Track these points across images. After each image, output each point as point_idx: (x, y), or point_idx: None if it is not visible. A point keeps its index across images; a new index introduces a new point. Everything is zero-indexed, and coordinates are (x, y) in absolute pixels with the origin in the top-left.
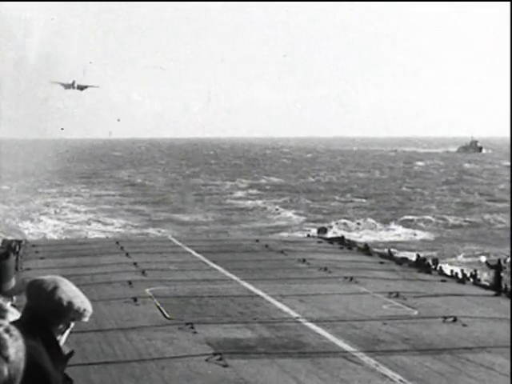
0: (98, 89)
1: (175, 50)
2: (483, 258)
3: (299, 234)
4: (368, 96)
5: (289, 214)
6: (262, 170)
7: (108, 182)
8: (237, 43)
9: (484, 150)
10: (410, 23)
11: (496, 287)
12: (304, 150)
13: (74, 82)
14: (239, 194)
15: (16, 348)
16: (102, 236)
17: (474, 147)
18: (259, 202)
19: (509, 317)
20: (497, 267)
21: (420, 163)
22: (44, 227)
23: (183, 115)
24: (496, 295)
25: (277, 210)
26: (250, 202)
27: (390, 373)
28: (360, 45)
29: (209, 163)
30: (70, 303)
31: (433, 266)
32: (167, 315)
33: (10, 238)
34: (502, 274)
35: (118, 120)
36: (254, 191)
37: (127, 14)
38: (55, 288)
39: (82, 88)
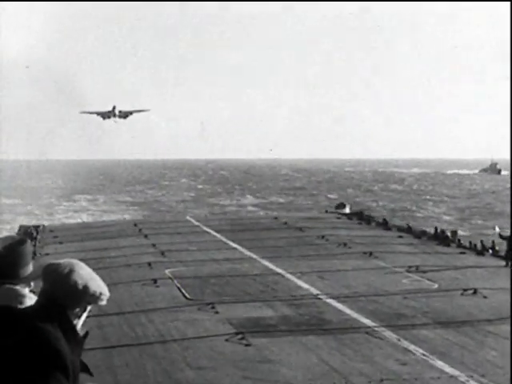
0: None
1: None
2: (497, 228)
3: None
4: (384, 117)
5: None
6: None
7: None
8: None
9: (503, 172)
10: (423, 40)
11: (507, 258)
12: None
13: (114, 109)
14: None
15: None
16: (120, 218)
17: (493, 169)
18: None
19: None
20: (509, 238)
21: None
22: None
23: (199, 136)
24: (505, 266)
25: None
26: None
27: (412, 347)
28: (372, 61)
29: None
30: (85, 287)
31: (451, 239)
32: (188, 296)
33: (27, 224)
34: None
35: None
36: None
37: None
38: (71, 271)
39: (125, 115)
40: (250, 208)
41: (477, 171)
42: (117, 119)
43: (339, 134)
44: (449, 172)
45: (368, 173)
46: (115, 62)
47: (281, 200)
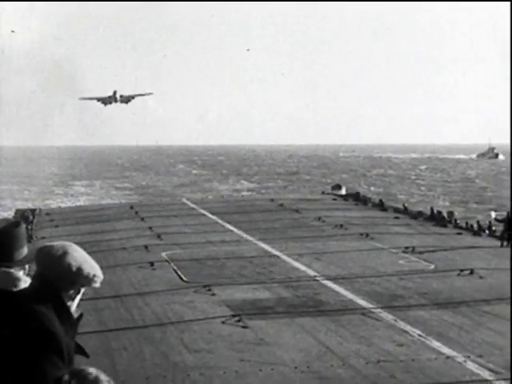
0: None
1: (190, 55)
2: (493, 214)
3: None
4: (381, 103)
5: None
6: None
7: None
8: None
9: (500, 157)
10: (423, 29)
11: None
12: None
13: (115, 94)
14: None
15: None
16: (116, 202)
17: (491, 154)
18: None
19: None
20: (506, 220)
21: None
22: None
23: (198, 122)
24: (501, 246)
25: None
26: None
27: (408, 328)
28: (372, 51)
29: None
30: (79, 269)
31: (448, 219)
32: (184, 278)
33: (23, 207)
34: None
35: None
36: None
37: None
38: (64, 254)
39: (127, 100)
40: (244, 193)
41: (474, 156)
42: (118, 104)
43: (335, 119)
44: (445, 157)
45: (364, 159)
46: (113, 50)
47: (276, 184)
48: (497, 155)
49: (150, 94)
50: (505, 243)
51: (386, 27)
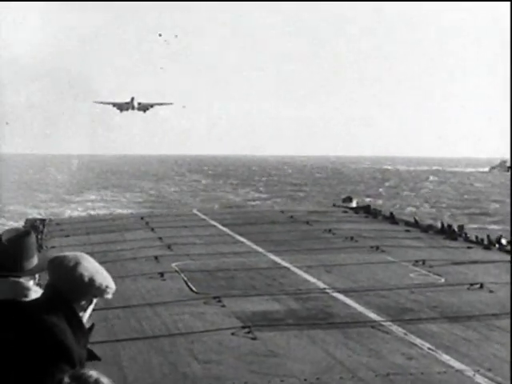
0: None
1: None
2: (504, 241)
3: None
4: (391, 115)
5: None
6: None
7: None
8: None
9: None
10: (435, 40)
11: None
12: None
13: (132, 100)
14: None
15: None
16: (127, 212)
17: (502, 167)
18: None
19: None
20: None
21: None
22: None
23: (210, 132)
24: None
25: None
26: None
27: (418, 341)
28: (382, 62)
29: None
30: (91, 279)
31: (458, 233)
32: (194, 289)
33: (33, 217)
34: None
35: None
36: None
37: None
38: (77, 264)
39: (145, 108)
40: (253, 202)
41: (487, 169)
42: (135, 112)
43: (345, 129)
44: (457, 170)
45: (375, 171)
46: (124, 56)
47: (286, 194)
48: (509, 168)
49: (171, 104)
50: None
51: (399, 36)
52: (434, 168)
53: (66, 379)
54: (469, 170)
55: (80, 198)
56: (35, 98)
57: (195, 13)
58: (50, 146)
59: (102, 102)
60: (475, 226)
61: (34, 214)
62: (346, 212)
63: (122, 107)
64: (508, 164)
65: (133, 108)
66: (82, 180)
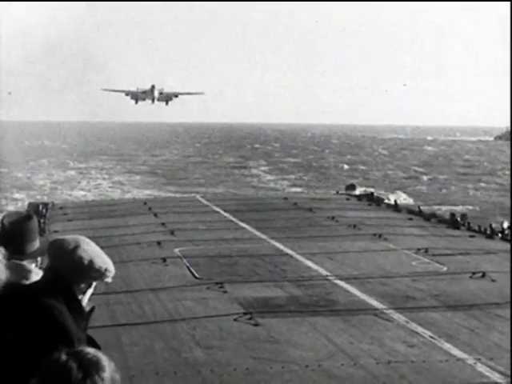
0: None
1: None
2: (505, 225)
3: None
4: (397, 85)
5: None
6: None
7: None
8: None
9: None
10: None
11: None
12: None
13: (153, 89)
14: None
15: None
16: (130, 197)
17: (507, 136)
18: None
19: None
20: None
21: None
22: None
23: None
24: None
25: None
26: None
27: (420, 329)
28: (387, 33)
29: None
30: (90, 262)
31: (461, 222)
32: (197, 275)
33: (36, 200)
34: None
35: None
36: None
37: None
38: (76, 247)
39: (167, 98)
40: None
41: (492, 138)
42: (155, 103)
43: (348, 98)
44: (461, 139)
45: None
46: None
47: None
48: None
49: (201, 93)
50: None
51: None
52: (442, 138)
53: (64, 356)
54: (473, 138)
55: (85, 165)
56: (42, 69)
57: None
58: (54, 113)
59: (113, 90)
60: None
61: (38, 197)
62: (348, 199)
63: (137, 97)
64: None
65: (153, 100)
66: (81, 149)
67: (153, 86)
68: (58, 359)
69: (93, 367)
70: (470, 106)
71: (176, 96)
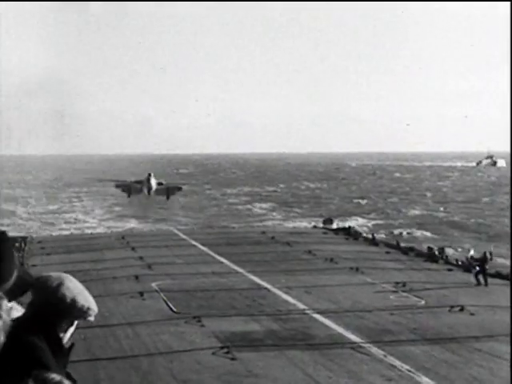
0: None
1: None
2: (471, 251)
3: (306, 224)
4: (374, 110)
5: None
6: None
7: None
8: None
9: (499, 164)
10: (419, 32)
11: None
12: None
13: (149, 177)
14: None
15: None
16: (108, 231)
17: (489, 161)
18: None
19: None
20: (481, 260)
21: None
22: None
23: (195, 131)
24: (477, 285)
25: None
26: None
27: (398, 363)
28: (365, 56)
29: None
30: (73, 300)
31: (439, 256)
32: (174, 309)
33: (14, 234)
34: (486, 267)
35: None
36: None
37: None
38: (59, 285)
39: (168, 191)
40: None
41: (474, 164)
42: (152, 195)
43: (326, 126)
44: (444, 164)
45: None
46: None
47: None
48: (495, 163)
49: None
50: (482, 281)
51: (387, 28)
52: (428, 164)
53: (31, 382)
54: (459, 164)
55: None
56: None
57: None
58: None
59: (100, 180)
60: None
61: (16, 231)
62: (326, 233)
63: (129, 189)
64: (494, 158)
65: (149, 191)
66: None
67: (149, 175)
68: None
69: None
70: (444, 132)
71: (179, 189)
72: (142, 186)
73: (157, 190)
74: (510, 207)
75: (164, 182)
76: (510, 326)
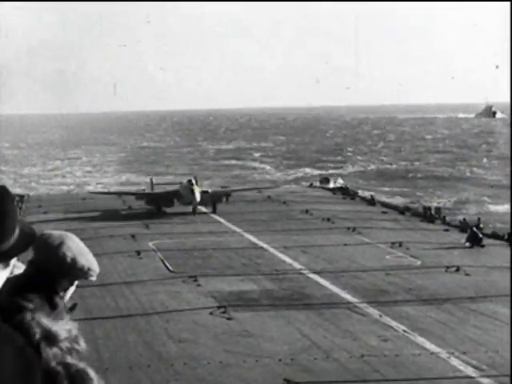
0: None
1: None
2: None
3: (303, 183)
4: (377, 63)
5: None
6: None
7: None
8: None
9: (498, 115)
10: None
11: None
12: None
13: (191, 186)
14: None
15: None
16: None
17: (487, 112)
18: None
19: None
20: (475, 226)
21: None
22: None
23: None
24: (471, 247)
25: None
26: None
27: (393, 323)
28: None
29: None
30: (73, 260)
31: (436, 215)
32: (171, 268)
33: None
34: (475, 230)
35: None
36: None
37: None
38: (61, 243)
39: (215, 199)
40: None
41: (473, 115)
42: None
43: (330, 80)
44: (444, 116)
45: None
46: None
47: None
48: (494, 113)
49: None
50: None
51: None
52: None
53: (59, 368)
54: (457, 115)
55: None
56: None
57: None
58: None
59: (115, 193)
60: None
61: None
62: (323, 193)
63: (158, 204)
64: (493, 109)
65: (194, 208)
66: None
67: (190, 182)
68: (49, 365)
69: (80, 378)
70: (444, 83)
71: (229, 195)
72: (176, 197)
73: (201, 200)
74: (510, 178)
75: (209, 190)
76: (506, 287)
